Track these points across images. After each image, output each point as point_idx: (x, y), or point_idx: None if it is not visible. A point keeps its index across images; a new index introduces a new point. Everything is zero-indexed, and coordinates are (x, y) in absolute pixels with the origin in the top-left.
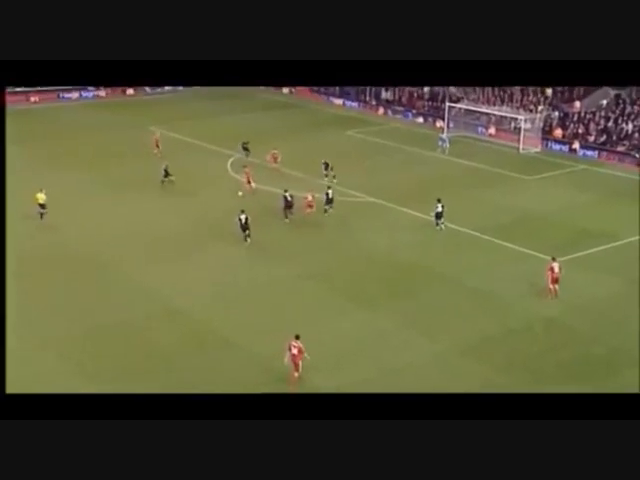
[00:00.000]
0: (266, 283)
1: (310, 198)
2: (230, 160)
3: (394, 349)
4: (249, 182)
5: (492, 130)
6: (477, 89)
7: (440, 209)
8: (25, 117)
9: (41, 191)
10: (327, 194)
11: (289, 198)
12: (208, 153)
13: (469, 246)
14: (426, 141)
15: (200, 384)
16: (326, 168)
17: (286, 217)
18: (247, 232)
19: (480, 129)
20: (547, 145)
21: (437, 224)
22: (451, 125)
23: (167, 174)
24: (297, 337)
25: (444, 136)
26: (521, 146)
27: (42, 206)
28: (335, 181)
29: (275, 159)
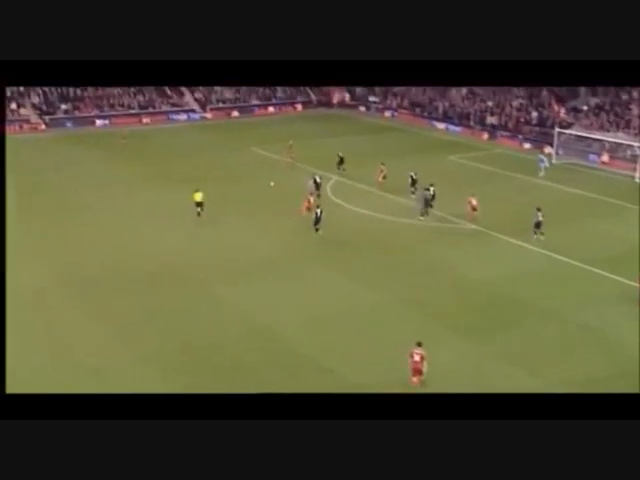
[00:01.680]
0: (361, 308)
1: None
2: (330, 183)
3: (492, 380)
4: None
5: (605, 158)
6: (590, 115)
7: (540, 218)
8: (137, 138)
9: (197, 191)
10: (317, 213)
11: (430, 193)
12: (308, 175)
13: (576, 278)
14: (533, 168)
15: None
16: (340, 162)
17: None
18: (318, 225)
19: (592, 156)
20: None
21: (535, 233)
22: (560, 152)
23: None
24: (419, 344)
25: (543, 157)
26: (638, 175)
27: (199, 204)
28: (344, 174)
29: (382, 175)
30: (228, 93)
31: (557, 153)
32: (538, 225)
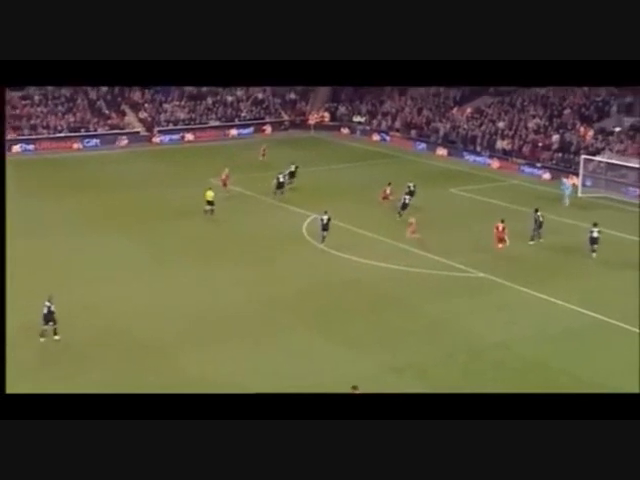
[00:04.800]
0: (353, 379)
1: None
2: (307, 221)
3: None
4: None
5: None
6: (624, 138)
7: (596, 234)
8: (67, 167)
9: (210, 189)
10: (322, 220)
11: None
12: (280, 212)
13: (614, 341)
14: (554, 202)
15: None
16: (291, 176)
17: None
18: (325, 233)
19: (629, 189)
20: None
21: (592, 250)
22: (588, 183)
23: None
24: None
25: (566, 181)
26: None
27: (210, 203)
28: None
29: (387, 196)
30: (180, 113)
31: (584, 184)
32: (594, 241)
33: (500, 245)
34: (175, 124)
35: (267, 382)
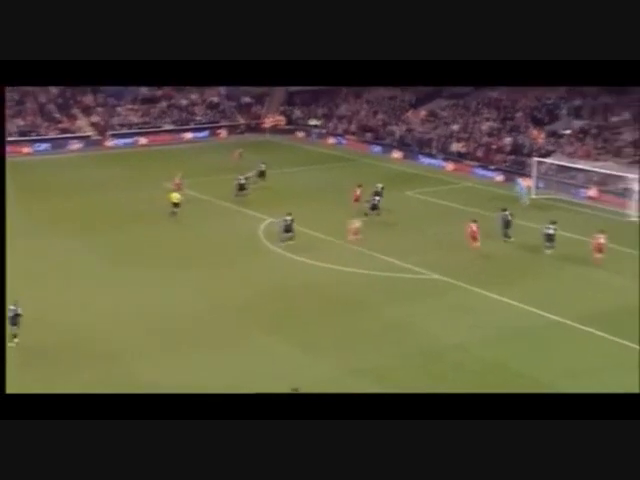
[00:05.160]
0: (311, 383)
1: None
2: (264, 225)
3: None
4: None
5: (593, 192)
6: (574, 141)
7: (552, 231)
8: (16, 171)
9: (175, 191)
10: (285, 221)
11: None
12: (237, 216)
13: (566, 342)
14: (507, 204)
15: None
16: (261, 175)
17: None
18: (291, 234)
19: (578, 190)
20: None
21: (547, 247)
22: (540, 185)
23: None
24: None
25: (521, 180)
26: (632, 212)
27: (176, 205)
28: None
29: (358, 197)
30: (134, 116)
31: (537, 186)
32: (550, 238)
33: (474, 244)
34: (128, 128)
35: (224, 386)
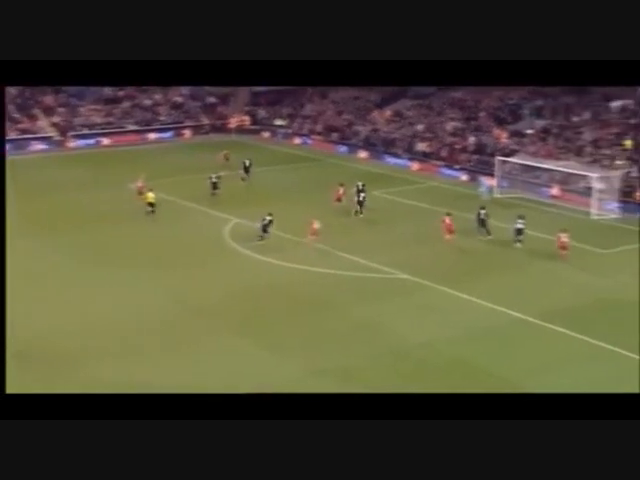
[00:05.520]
0: (278, 383)
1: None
2: (229, 225)
3: None
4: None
5: (556, 191)
6: (537, 140)
7: (521, 226)
8: None
9: (151, 190)
10: (264, 220)
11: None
12: (203, 217)
13: (531, 338)
14: (472, 203)
15: None
16: (246, 170)
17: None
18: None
19: (541, 189)
20: (627, 210)
21: (516, 241)
22: (504, 184)
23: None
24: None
25: (484, 180)
26: (594, 211)
27: (151, 204)
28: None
29: (340, 197)
30: (97, 117)
31: (501, 185)
32: (519, 232)
33: (448, 236)
34: (91, 128)
35: (190, 388)
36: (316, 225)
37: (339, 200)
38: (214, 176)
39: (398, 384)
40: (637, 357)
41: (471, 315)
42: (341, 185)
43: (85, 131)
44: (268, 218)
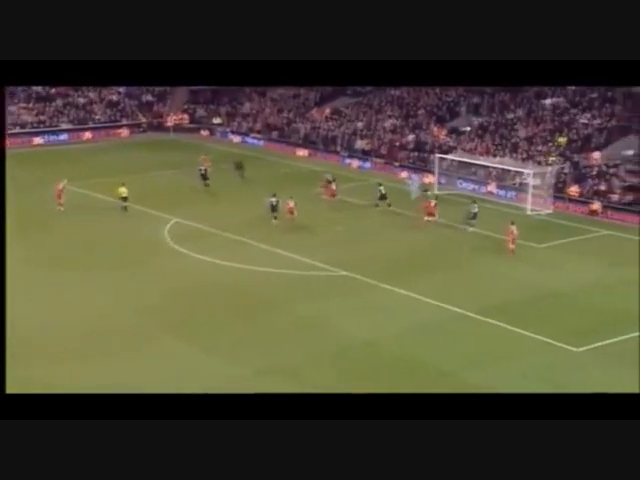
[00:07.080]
0: (222, 384)
1: (292, 205)
2: (169, 225)
3: None
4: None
5: (492, 187)
6: (474, 137)
7: (476, 209)
8: None
9: (123, 185)
10: (271, 202)
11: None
12: (141, 217)
13: (469, 332)
14: (411, 200)
15: None
16: (237, 168)
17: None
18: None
19: (477, 186)
20: (560, 205)
21: (467, 225)
22: (442, 181)
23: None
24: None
25: (414, 176)
26: (528, 206)
27: (124, 199)
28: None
29: (334, 193)
30: (28, 116)
31: (439, 182)
32: (474, 216)
33: (427, 218)
34: (22, 127)
35: (132, 390)
36: (291, 203)
37: (333, 196)
38: (203, 168)
39: (340, 382)
40: (567, 346)
41: (413, 311)
42: (332, 181)
43: (16, 130)
44: (274, 199)
